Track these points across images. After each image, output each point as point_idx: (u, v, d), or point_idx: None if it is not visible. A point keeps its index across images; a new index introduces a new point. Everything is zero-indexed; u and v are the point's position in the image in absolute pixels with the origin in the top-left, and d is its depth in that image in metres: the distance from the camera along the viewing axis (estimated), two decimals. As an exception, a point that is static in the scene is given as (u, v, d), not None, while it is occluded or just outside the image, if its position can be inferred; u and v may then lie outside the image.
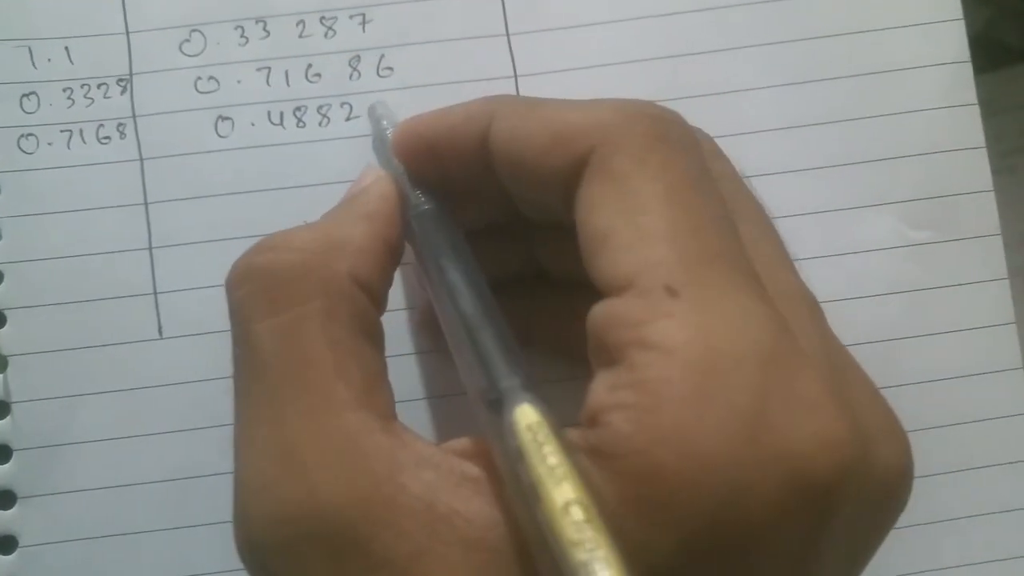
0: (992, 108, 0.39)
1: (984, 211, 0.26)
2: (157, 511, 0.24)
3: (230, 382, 0.24)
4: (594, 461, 0.15)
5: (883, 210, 0.26)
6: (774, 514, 0.15)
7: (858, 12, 0.26)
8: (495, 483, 0.16)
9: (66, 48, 0.25)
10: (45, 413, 0.24)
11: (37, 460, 0.24)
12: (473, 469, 0.17)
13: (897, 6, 0.27)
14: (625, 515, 0.15)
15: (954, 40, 0.27)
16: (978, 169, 0.26)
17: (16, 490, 0.24)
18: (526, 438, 0.15)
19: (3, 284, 0.25)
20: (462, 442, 0.18)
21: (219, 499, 0.24)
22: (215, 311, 0.25)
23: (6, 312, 0.24)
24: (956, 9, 0.27)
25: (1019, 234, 0.36)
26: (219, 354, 0.25)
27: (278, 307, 0.18)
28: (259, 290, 0.18)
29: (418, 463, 0.17)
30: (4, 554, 0.24)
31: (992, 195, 0.26)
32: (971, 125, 0.26)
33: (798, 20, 0.26)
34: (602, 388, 0.16)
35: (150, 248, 0.25)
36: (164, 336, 0.25)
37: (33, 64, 0.25)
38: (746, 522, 0.15)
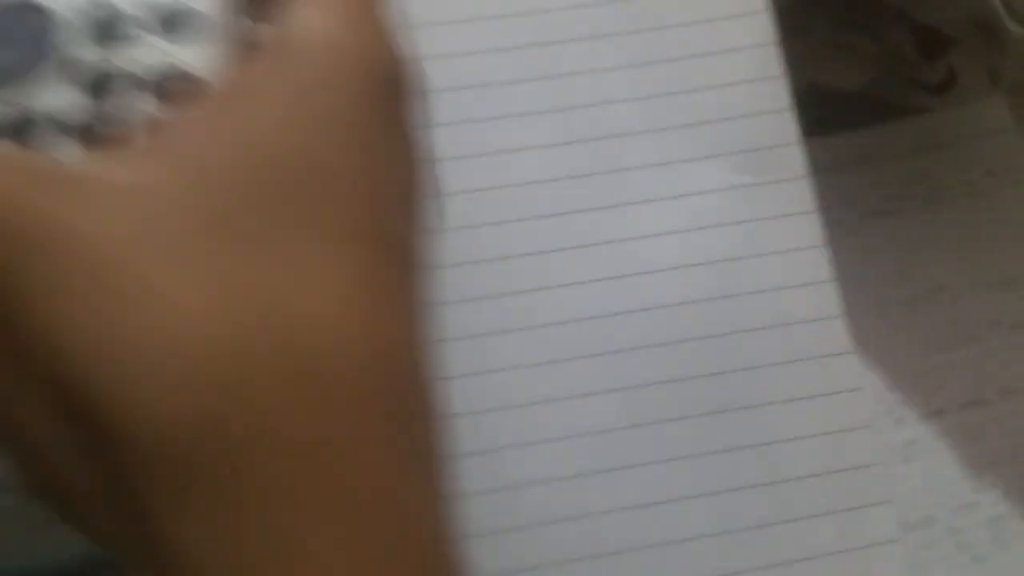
0: (876, 157, 0.45)
1: (791, 160, 0.31)
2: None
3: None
4: None
5: (712, 161, 0.31)
6: None
7: (688, 8, 0.32)
8: None
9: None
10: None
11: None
12: None
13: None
14: None
15: (762, 27, 0.32)
16: (785, 127, 0.31)
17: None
18: None
19: None
20: None
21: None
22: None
23: None
24: (761, 2, 0.32)
25: (893, 271, 0.41)
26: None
27: None
28: None
29: None
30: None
31: (798, 147, 0.31)
32: (778, 93, 0.32)
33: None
34: None
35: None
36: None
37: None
38: None
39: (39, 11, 0.21)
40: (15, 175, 0.17)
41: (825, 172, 0.31)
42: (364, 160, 0.18)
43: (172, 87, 0.20)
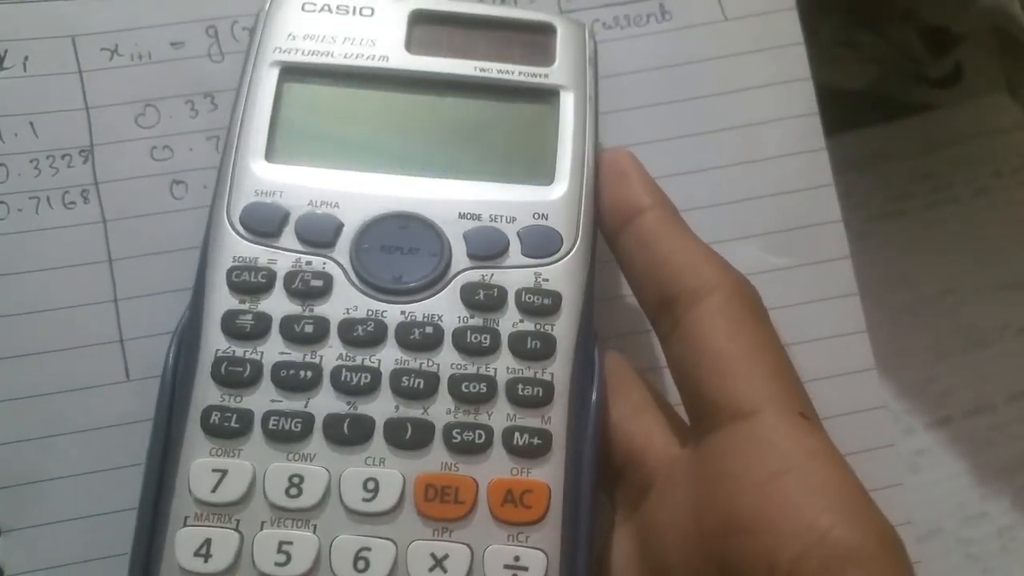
0: (882, 157, 0.44)
1: (833, 238, 0.30)
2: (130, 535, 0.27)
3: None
4: None
5: (747, 241, 0.29)
6: None
7: (727, 76, 0.30)
8: None
9: (31, 123, 0.28)
10: (23, 453, 0.27)
11: (17, 496, 0.27)
12: None
13: (756, 71, 0.30)
14: None
15: (804, 97, 0.30)
16: (827, 203, 0.30)
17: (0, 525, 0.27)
18: None
19: (-20, 339, 0.27)
20: None
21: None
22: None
23: (-15, 363, 0.27)
24: (805, 69, 0.30)
25: (899, 275, 0.41)
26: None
27: None
28: None
29: None
30: (-8, 582, 0.26)
31: (841, 224, 0.30)
32: (820, 167, 0.30)
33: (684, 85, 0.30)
34: None
35: (115, 300, 0.28)
36: (131, 379, 0.27)
37: (1, 139, 0.28)
38: None
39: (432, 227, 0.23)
40: None
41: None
42: None
43: (535, 302, 0.22)
